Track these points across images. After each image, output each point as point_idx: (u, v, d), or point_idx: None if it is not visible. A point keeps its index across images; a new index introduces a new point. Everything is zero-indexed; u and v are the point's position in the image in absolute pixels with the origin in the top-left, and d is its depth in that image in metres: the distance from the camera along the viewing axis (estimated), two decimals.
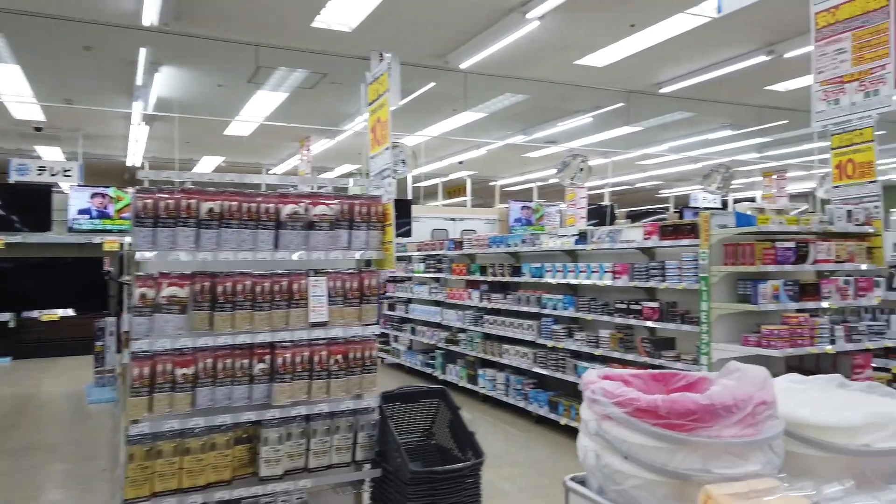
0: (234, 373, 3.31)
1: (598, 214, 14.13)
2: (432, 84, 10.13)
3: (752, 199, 18.82)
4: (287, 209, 3.49)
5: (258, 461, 3.31)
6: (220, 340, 3.29)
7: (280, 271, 3.48)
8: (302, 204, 3.52)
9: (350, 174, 18.14)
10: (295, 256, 3.51)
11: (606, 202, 15.31)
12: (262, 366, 3.35)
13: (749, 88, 10.81)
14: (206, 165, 17.56)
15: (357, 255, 3.69)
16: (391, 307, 10.55)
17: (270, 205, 3.46)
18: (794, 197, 20.66)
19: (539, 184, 19.62)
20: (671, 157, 15.79)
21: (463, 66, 9.07)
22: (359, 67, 7.74)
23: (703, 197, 15.05)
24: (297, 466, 3.39)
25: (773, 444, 1.75)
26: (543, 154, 15.73)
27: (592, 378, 2.02)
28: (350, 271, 3.64)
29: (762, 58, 8.80)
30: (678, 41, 8.36)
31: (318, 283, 3.51)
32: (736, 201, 16.36)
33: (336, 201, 3.63)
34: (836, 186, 4.75)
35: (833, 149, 4.70)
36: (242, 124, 12.60)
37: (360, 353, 3.57)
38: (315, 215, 3.56)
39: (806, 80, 4.12)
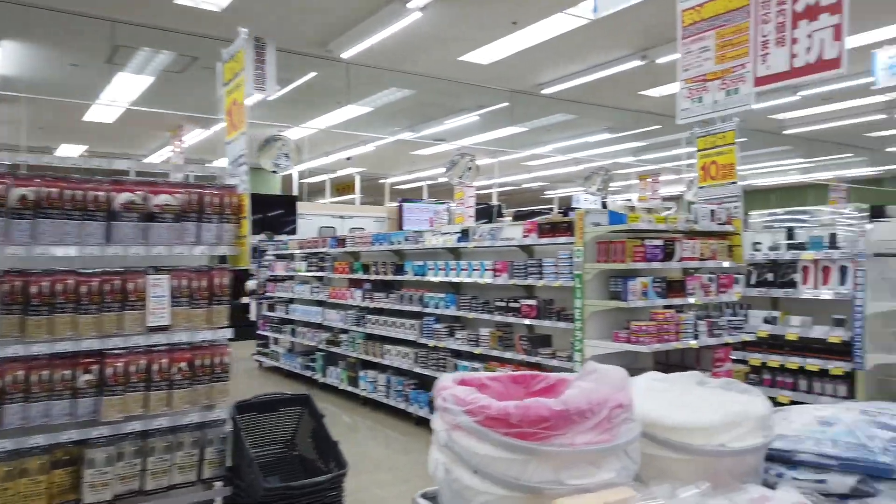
0: (53, 386, 2.86)
1: (486, 214, 14.24)
2: (313, 74, 9.71)
3: (629, 201, 19.74)
4: (121, 198, 3.07)
5: (82, 486, 2.87)
6: (35, 349, 2.83)
7: (113, 269, 3.06)
8: (139, 192, 3.11)
9: None
10: (132, 252, 3.10)
11: (494, 202, 15.47)
12: (88, 377, 2.92)
13: (626, 93, 11.23)
14: (66, 154, 16.01)
15: (208, 250, 3.33)
16: (271, 308, 10.02)
17: (101, 193, 3.03)
18: (667, 199, 21.92)
19: (429, 182, 19.56)
20: (555, 158, 16.21)
21: (345, 55, 8.74)
22: None
23: (584, 198, 15.55)
24: (131, 489, 2.99)
25: (628, 449, 1.64)
26: (432, 152, 15.65)
27: (446, 384, 1.82)
28: (198, 269, 3.27)
29: (637, 62, 9.12)
30: (558, 42, 8.49)
31: (158, 281, 3.11)
32: (614, 202, 17.05)
33: (183, 190, 3.25)
34: (702, 187, 4.91)
35: (699, 151, 4.86)
36: (105, 109, 11.52)
37: (208, 359, 3.21)
38: (156, 206, 3.16)
39: (677, 87, 4.25)
